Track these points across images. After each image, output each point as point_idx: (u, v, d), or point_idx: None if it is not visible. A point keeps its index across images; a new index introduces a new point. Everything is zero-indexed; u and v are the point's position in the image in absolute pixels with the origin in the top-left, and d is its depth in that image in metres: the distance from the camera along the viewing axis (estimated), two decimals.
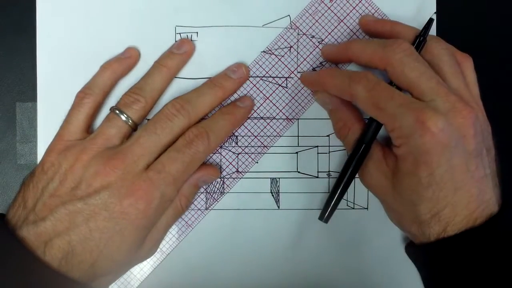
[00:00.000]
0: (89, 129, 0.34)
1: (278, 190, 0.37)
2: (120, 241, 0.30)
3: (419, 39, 0.32)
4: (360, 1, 0.37)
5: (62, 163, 0.31)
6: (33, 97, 0.36)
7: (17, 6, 0.36)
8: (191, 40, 0.36)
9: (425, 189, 0.29)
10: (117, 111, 0.33)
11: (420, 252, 0.31)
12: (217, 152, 0.36)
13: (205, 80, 0.36)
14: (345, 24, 0.37)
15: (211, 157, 0.36)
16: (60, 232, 0.30)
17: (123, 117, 0.33)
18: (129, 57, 0.35)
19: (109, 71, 0.35)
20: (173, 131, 0.32)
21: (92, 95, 0.34)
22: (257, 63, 0.36)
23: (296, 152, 0.37)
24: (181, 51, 0.35)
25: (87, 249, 0.30)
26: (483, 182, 0.30)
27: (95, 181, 0.30)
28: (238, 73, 0.35)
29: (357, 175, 0.33)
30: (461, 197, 0.29)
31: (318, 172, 0.37)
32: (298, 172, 0.37)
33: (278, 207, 0.37)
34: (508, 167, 0.32)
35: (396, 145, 0.30)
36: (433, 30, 0.36)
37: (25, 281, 0.28)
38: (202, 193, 0.36)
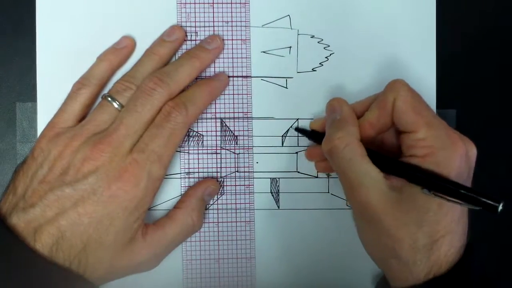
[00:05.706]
0: (82, 119, 0.34)
1: (278, 190, 0.37)
2: (108, 224, 0.30)
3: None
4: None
5: (51, 150, 0.31)
6: (33, 97, 0.36)
7: (17, 6, 0.36)
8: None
9: (439, 208, 0.29)
10: (109, 98, 0.33)
11: None
12: (217, 152, 0.36)
13: (204, 79, 0.36)
14: (345, 23, 0.37)
15: (210, 156, 0.36)
16: (49, 218, 0.30)
17: (115, 104, 0.33)
18: (125, 47, 0.35)
19: (105, 62, 0.35)
20: (154, 106, 0.32)
21: (89, 86, 0.34)
22: (257, 63, 0.36)
23: (296, 152, 0.37)
24: (172, 38, 0.35)
25: (76, 234, 0.30)
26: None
27: (83, 166, 0.30)
28: (213, 43, 0.36)
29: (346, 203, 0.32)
30: (461, 228, 0.30)
31: (318, 172, 0.37)
32: (298, 172, 0.37)
33: (278, 207, 0.37)
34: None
35: (419, 155, 0.29)
36: (432, 30, 0.36)
37: (17, 270, 0.28)
38: None
